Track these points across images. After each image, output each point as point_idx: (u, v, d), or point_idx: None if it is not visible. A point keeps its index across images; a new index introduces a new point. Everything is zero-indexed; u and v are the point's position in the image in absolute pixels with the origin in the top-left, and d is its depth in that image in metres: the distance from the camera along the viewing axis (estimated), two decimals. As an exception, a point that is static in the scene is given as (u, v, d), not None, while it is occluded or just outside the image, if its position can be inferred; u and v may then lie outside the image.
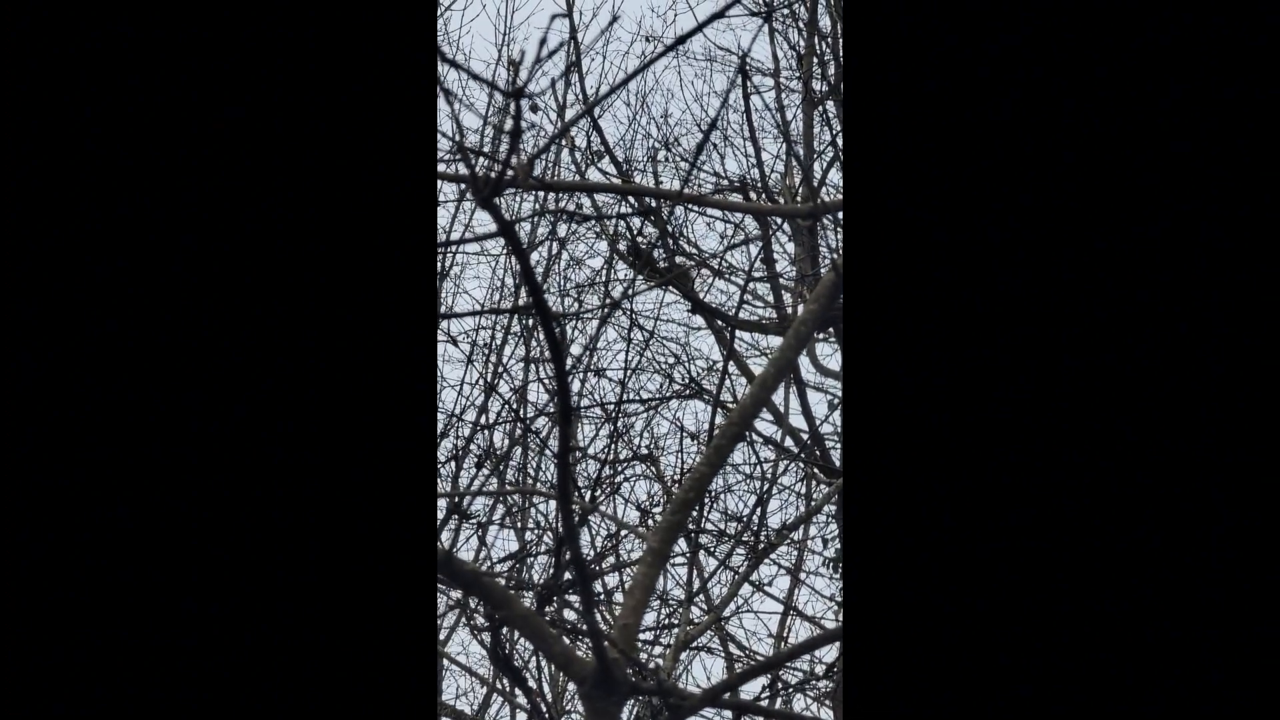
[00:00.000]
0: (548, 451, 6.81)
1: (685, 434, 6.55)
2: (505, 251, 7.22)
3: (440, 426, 6.95)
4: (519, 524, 6.61)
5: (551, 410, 6.86)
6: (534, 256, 6.94)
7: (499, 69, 7.33)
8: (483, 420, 6.69)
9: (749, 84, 6.83)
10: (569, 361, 7.04)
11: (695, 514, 6.67)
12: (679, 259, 6.64)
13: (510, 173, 2.42)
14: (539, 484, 6.74)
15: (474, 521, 6.52)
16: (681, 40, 2.27)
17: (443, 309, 7.31)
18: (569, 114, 6.48)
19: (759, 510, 6.40)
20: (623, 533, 6.20)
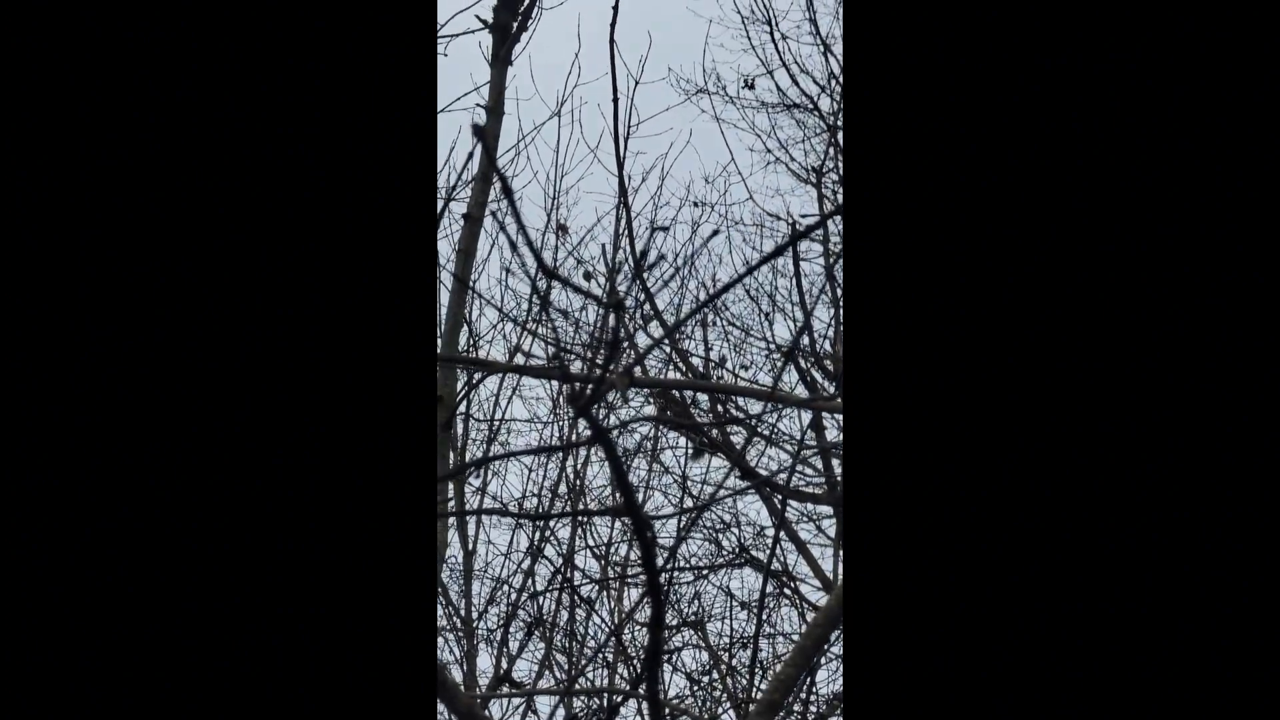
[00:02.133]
0: (595, 618, 6.78)
1: (735, 602, 6.52)
2: (553, 416, 7.24)
3: (488, 592, 6.92)
4: (568, 695, 6.55)
5: (598, 576, 6.83)
6: (580, 423, 6.94)
7: (548, 234, 7.40)
8: (529, 586, 6.67)
9: (798, 252, 6.88)
10: (615, 526, 7.02)
11: (746, 683, 6.60)
12: (729, 427, 6.64)
13: (610, 379, 2.44)
14: (586, 650, 6.70)
15: (521, 690, 6.47)
16: (761, 264, 2.29)
17: (492, 480, 7.31)
18: (619, 277, 6.52)
19: (808, 679, 6.34)
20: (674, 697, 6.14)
